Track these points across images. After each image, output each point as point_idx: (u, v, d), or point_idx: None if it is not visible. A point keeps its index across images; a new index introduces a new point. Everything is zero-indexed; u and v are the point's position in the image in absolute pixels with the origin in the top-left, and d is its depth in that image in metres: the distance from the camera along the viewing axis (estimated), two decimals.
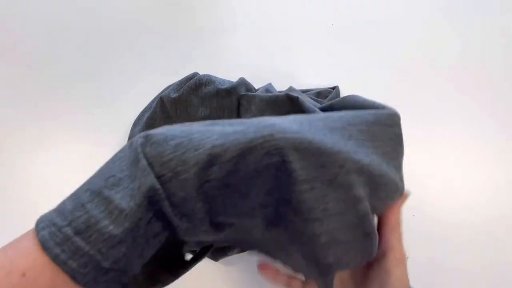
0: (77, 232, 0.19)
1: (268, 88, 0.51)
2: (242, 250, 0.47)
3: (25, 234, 0.20)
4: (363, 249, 0.28)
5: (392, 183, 0.28)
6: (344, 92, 0.54)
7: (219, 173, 0.22)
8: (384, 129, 0.30)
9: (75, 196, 0.22)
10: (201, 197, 0.22)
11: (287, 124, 0.24)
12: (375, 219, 0.30)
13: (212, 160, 0.21)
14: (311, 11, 0.60)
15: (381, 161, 0.27)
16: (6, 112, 0.54)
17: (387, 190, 0.28)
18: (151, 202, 0.21)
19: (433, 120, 0.54)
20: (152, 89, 0.49)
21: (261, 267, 0.38)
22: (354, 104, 0.33)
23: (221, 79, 0.48)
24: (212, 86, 0.46)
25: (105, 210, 0.20)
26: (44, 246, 0.19)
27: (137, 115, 0.50)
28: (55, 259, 0.19)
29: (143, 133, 0.23)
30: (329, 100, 0.51)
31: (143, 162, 0.21)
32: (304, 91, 0.52)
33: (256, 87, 0.52)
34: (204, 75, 0.47)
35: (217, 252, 0.46)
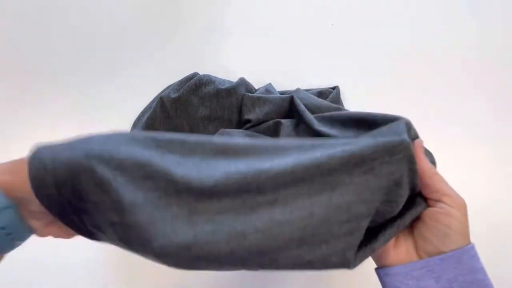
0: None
1: (268, 88, 0.51)
2: None
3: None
4: None
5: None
6: (344, 92, 0.54)
7: None
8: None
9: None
10: None
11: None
12: None
13: None
14: (311, 11, 0.60)
15: None
16: (6, 112, 0.54)
17: None
18: None
19: (433, 120, 0.54)
20: (152, 89, 0.49)
21: None
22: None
23: (221, 79, 0.48)
24: (212, 86, 0.46)
25: None
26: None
27: (137, 115, 0.50)
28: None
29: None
30: (330, 100, 0.51)
31: None
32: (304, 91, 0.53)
33: (256, 87, 0.52)
34: (204, 75, 0.47)
35: None
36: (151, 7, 0.60)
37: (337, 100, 0.53)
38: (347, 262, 0.27)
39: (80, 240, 0.30)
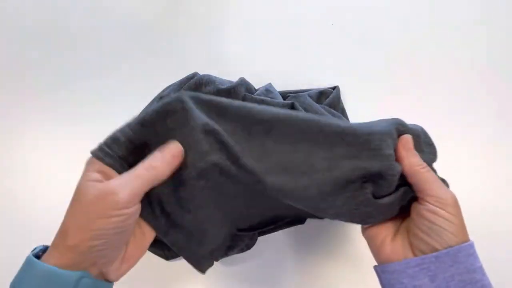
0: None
1: (268, 88, 0.51)
2: (242, 250, 0.47)
3: None
4: None
5: None
6: (344, 92, 0.54)
7: None
8: None
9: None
10: None
11: None
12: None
13: None
14: (311, 11, 0.60)
15: None
16: (6, 111, 0.54)
17: None
18: None
19: (434, 120, 0.54)
20: (152, 89, 0.49)
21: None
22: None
23: (221, 79, 0.48)
24: (212, 86, 0.46)
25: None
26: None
27: (137, 115, 0.50)
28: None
29: None
30: (330, 100, 0.51)
31: None
32: (304, 91, 0.52)
33: (256, 87, 0.52)
34: (204, 75, 0.47)
35: (217, 251, 0.46)
36: (151, 7, 0.60)
37: (338, 100, 0.53)
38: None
39: None
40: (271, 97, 0.49)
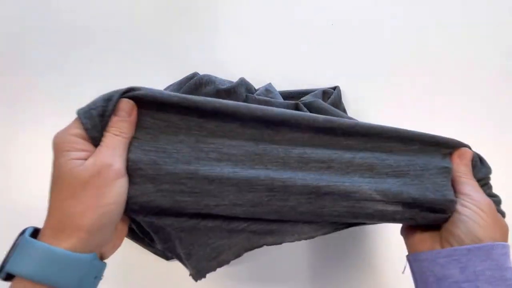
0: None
1: (268, 88, 0.51)
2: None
3: None
4: None
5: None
6: (344, 92, 0.54)
7: None
8: None
9: None
10: None
11: None
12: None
13: None
14: (311, 11, 0.60)
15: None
16: (5, 111, 0.54)
17: None
18: None
19: (433, 120, 0.54)
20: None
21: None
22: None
23: (221, 79, 0.48)
24: (212, 86, 0.46)
25: None
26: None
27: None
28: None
29: None
30: (332, 100, 0.51)
31: None
32: (304, 91, 0.53)
33: (256, 87, 0.52)
34: (204, 75, 0.47)
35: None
36: (150, 7, 0.60)
37: (339, 100, 0.53)
38: None
39: None
40: (271, 97, 0.49)
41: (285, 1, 0.60)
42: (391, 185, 0.33)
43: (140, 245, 0.47)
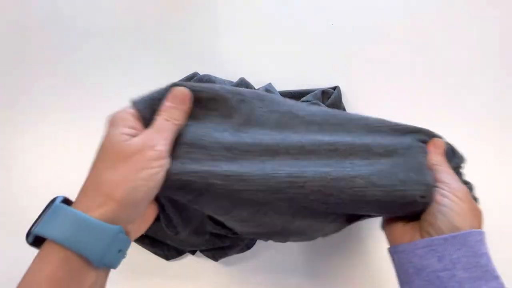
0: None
1: (268, 88, 0.51)
2: (242, 250, 0.47)
3: None
4: None
5: None
6: (344, 92, 0.54)
7: None
8: None
9: None
10: None
11: None
12: None
13: None
14: (311, 11, 0.60)
15: None
16: (6, 111, 0.54)
17: None
18: None
19: (433, 121, 0.54)
20: (152, 89, 0.49)
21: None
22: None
23: (221, 79, 0.48)
24: None
25: None
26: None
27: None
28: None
29: None
30: (332, 100, 0.51)
31: None
32: (304, 91, 0.53)
33: (256, 87, 0.52)
34: (204, 75, 0.47)
35: (217, 251, 0.46)
36: (150, 7, 0.60)
37: (339, 100, 0.53)
38: None
39: None
40: None
41: (285, 1, 0.61)
42: (384, 165, 0.34)
43: (140, 245, 0.47)
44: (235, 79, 0.49)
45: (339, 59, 0.57)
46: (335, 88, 0.53)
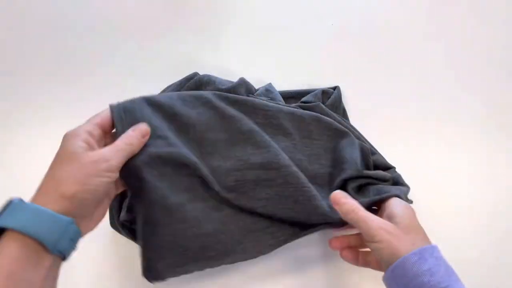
0: None
1: (268, 88, 0.51)
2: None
3: None
4: None
5: None
6: (344, 92, 0.54)
7: None
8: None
9: None
10: None
11: None
12: None
13: None
14: (311, 11, 0.60)
15: None
16: (6, 111, 0.54)
17: None
18: None
19: (433, 121, 0.54)
20: (152, 89, 0.49)
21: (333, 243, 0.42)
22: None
23: (221, 79, 0.48)
24: (212, 86, 0.46)
25: None
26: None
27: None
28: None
29: None
30: (332, 100, 0.51)
31: None
32: (304, 91, 0.53)
33: (256, 87, 0.52)
34: (204, 75, 0.47)
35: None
36: (150, 7, 0.60)
37: (339, 100, 0.53)
38: None
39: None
40: (271, 97, 0.49)
41: (285, 1, 0.61)
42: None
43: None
44: (235, 79, 0.49)
45: (339, 59, 0.57)
46: (335, 88, 0.53)
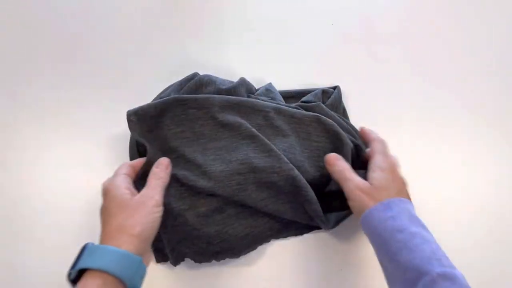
0: None
1: (268, 88, 0.51)
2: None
3: None
4: None
5: None
6: (344, 92, 0.54)
7: None
8: None
9: None
10: None
11: None
12: None
13: None
14: (311, 11, 0.60)
15: None
16: (6, 111, 0.54)
17: None
18: None
19: (433, 121, 0.54)
20: (152, 89, 0.49)
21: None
22: None
23: (221, 79, 0.48)
24: (213, 87, 0.46)
25: None
26: None
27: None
28: None
29: None
30: (332, 100, 0.51)
31: None
32: (305, 91, 0.53)
33: (256, 87, 0.52)
34: (204, 75, 0.47)
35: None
36: (151, 7, 0.60)
37: (339, 99, 0.53)
38: None
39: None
40: (271, 97, 0.49)
41: (285, 1, 0.61)
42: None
43: None
44: (235, 79, 0.49)
45: (339, 59, 0.57)
46: (335, 88, 0.53)
